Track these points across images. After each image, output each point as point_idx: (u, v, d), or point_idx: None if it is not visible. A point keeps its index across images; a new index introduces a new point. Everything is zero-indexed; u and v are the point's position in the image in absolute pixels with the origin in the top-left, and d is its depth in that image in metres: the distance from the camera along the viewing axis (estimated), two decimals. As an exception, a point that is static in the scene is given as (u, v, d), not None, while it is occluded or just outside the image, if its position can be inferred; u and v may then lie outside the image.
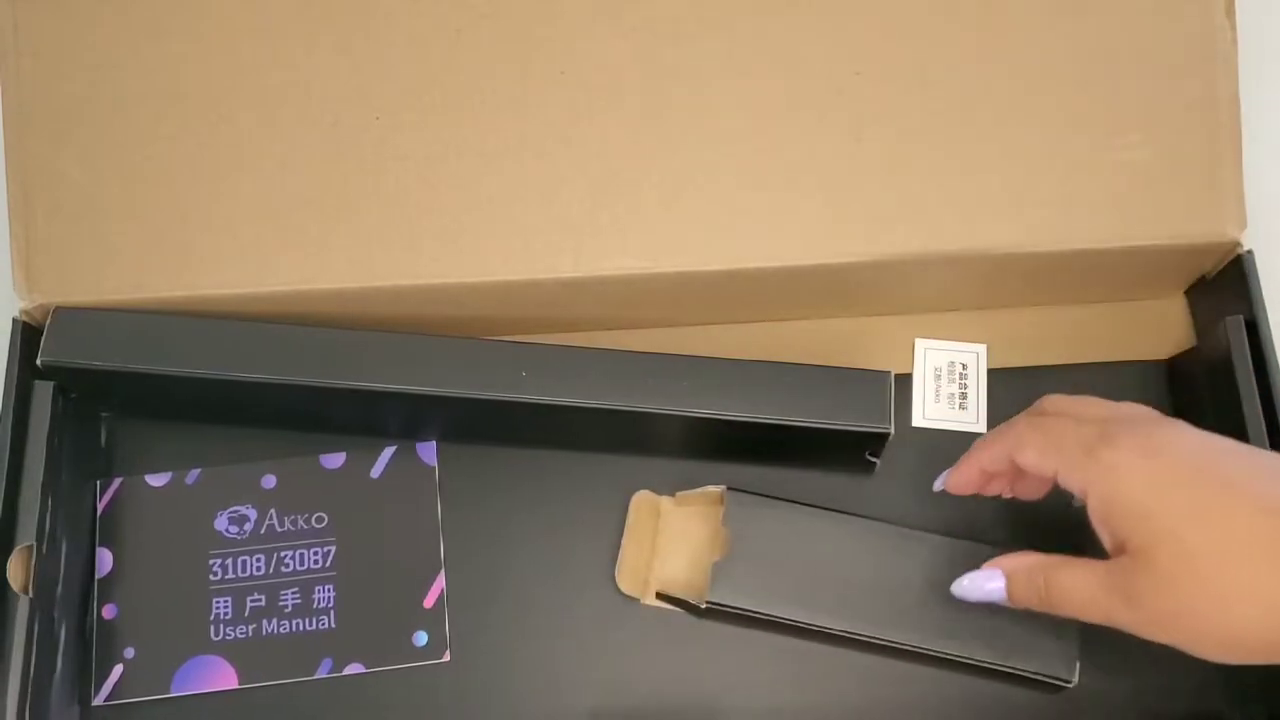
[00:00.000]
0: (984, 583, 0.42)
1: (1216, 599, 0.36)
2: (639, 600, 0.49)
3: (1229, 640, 0.36)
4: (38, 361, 0.46)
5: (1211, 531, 0.36)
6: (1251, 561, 0.36)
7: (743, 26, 0.47)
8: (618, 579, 0.49)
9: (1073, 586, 0.40)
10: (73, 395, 0.48)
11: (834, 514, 0.47)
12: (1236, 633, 0.36)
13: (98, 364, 0.46)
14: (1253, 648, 0.36)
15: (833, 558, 0.47)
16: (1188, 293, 0.53)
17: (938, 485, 0.46)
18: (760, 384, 0.45)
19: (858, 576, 0.46)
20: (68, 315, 0.46)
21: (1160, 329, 0.53)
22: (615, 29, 0.47)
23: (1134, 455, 0.38)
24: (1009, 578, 0.42)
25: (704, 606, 0.47)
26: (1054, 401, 0.43)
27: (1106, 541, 0.39)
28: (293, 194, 0.47)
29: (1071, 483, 0.40)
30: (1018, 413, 0.51)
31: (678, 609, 0.49)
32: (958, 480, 0.45)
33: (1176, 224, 0.47)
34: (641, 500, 0.50)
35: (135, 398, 0.50)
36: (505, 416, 0.47)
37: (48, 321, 0.46)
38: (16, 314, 0.47)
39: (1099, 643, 0.44)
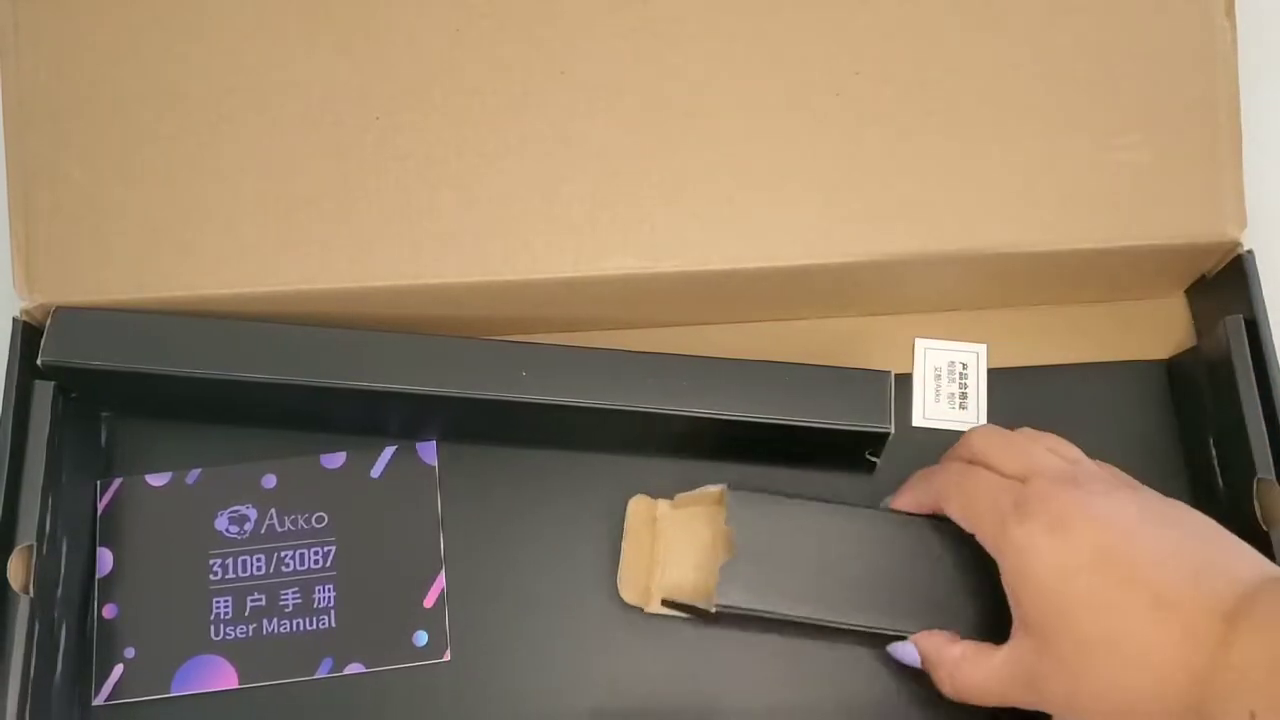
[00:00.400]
0: (910, 656, 0.45)
1: (1107, 692, 0.37)
2: (643, 609, 0.48)
3: None
4: (38, 361, 0.46)
5: (1107, 624, 0.37)
6: (1142, 655, 0.36)
7: (742, 26, 0.47)
8: (620, 589, 0.48)
9: (980, 681, 0.41)
10: (73, 395, 0.48)
11: (840, 507, 0.47)
12: None
13: (98, 364, 0.46)
14: None
15: (842, 552, 0.46)
16: (1188, 292, 0.53)
17: (883, 504, 0.47)
18: (760, 384, 0.45)
19: (869, 569, 0.45)
20: (68, 315, 0.46)
21: (1160, 329, 0.53)
22: (615, 29, 0.47)
23: (1041, 533, 0.39)
24: (923, 660, 0.44)
25: (714, 610, 0.45)
26: (981, 443, 0.44)
27: (1015, 612, 0.40)
28: (293, 194, 0.47)
29: (987, 548, 0.41)
30: (1018, 412, 0.51)
31: (686, 616, 0.48)
32: (898, 507, 0.47)
33: (1176, 224, 0.47)
34: (637, 506, 0.49)
35: (135, 398, 0.50)
36: (505, 416, 0.47)
37: (48, 321, 0.46)
38: (16, 314, 0.47)
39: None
